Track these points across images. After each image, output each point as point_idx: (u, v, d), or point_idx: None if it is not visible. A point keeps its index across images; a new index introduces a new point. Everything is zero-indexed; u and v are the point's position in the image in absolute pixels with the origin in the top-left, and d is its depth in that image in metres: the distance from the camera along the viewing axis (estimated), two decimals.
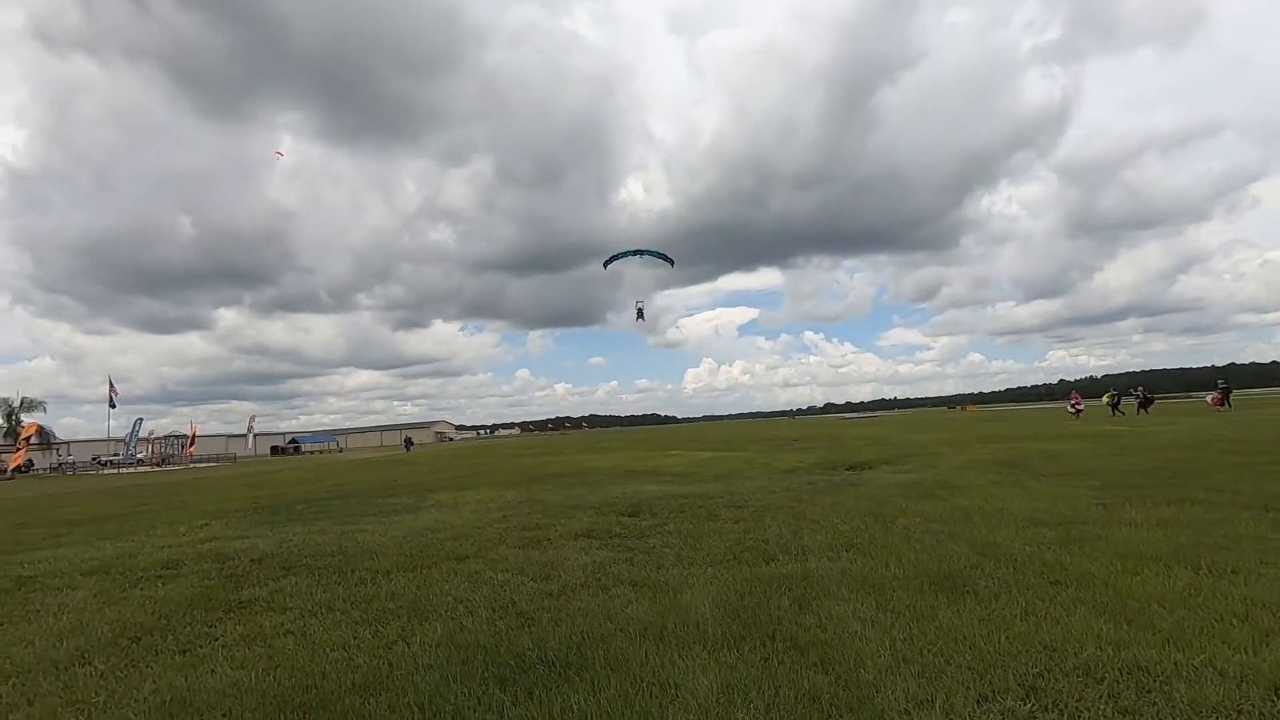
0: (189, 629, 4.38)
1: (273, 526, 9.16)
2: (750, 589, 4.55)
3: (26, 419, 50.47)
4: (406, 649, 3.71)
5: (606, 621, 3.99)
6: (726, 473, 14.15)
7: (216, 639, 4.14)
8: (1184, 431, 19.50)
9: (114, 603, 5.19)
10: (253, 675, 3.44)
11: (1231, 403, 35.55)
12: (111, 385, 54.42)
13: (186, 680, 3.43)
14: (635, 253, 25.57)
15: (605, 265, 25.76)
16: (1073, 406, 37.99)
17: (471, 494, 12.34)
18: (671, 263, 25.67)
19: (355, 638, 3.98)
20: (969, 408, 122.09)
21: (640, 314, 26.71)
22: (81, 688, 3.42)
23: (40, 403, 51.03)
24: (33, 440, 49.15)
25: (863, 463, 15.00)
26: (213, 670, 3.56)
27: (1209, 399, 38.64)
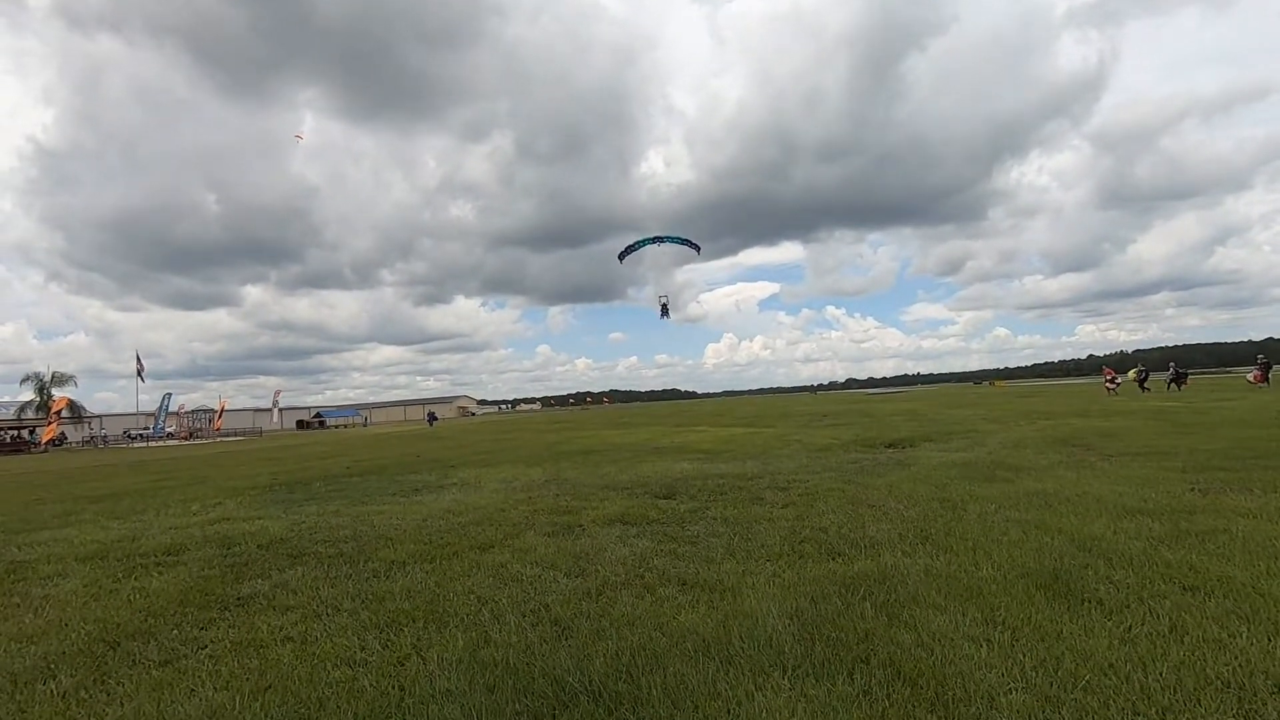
0: (177, 631, 3.83)
1: (288, 506, 8.69)
2: (822, 592, 3.88)
3: (57, 393, 51.28)
4: (422, 666, 3.10)
5: (658, 634, 3.34)
6: (760, 450, 13.47)
7: (205, 646, 3.57)
8: (1244, 409, 18.36)
9: (103, 596, 4.67)
10: (238, 699, 2.85)
11: (1272, 380, 33.71)
12: (139, 360, 55.07)
13: (159, 705, 2.85)
14: (654, 240, 23.58)
15: (621, 258, 24.00)
16: (1110, 381, 36.59)
17: (495, 471, 11.81)
18: (698, 249, 24.04)
19: (363, 649, 3.38)
20: (998, 383, 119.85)
21: (665, 310, 25.37)
22: (35, 713, 2.86)
23: (70, 377, 51.80)
24: (64, 414, 49.96)
25: (903, 440, 14.22)
26: (193, 690, 2.99)
27: (1249, 376, 36.58)
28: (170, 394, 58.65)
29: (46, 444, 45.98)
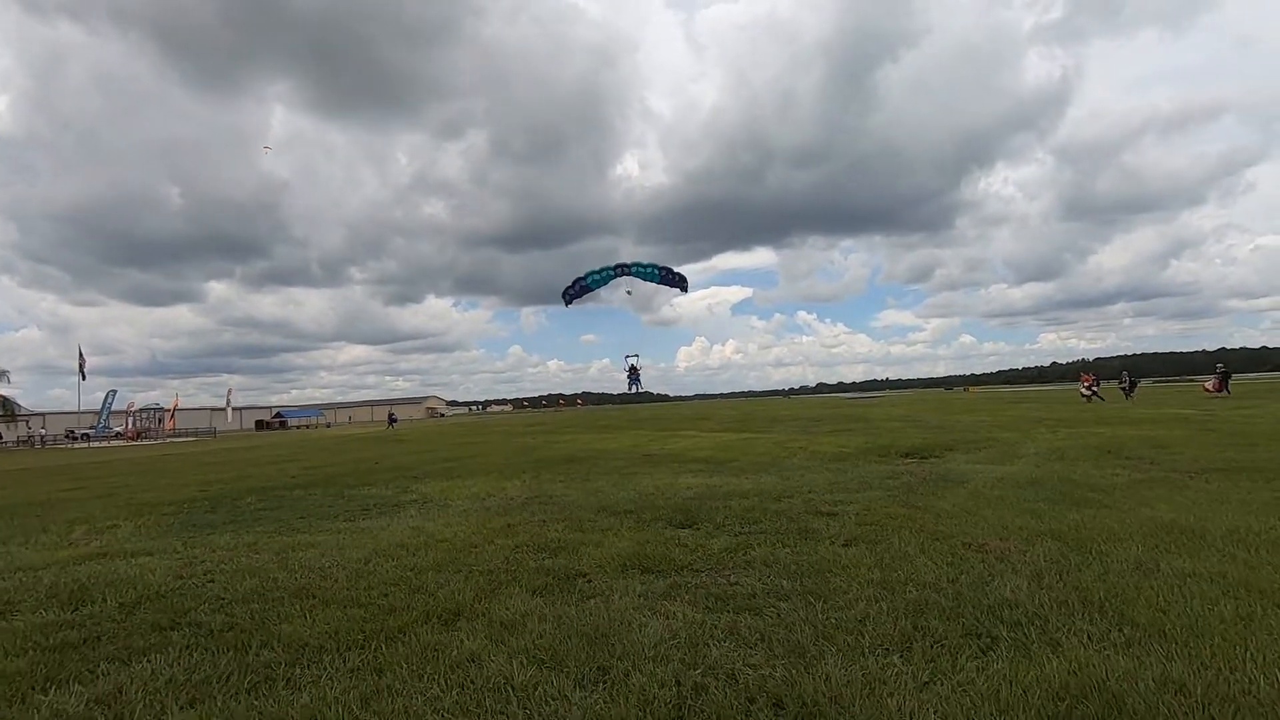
0: None
1: (195, 533, 6.80)
2: None
3: None
4: None
5: None
6: (769, 460, 11.86)
7: None
8: (1273, 417, 17.33)
9: None
10: None
11: (1230, 389, 33.13)
12: (81, 356, 51.56)
13: None
14: (617, 270, 17.60)
15: (568, 299, 18.38)
16: (1087, 388, 35.74)
17: (464, 485, 10.00)
18: (682, 284, 18.41)
19: None
20: (970, 389, 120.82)
21: (634, 375, 21.11)
22: None
23: (3, 372, 48.00)
24: None
25: (921, 449, 12.75)
26: None
27: (1206, 385, 36.05)
28: (114, 391, 55.18)
29: None
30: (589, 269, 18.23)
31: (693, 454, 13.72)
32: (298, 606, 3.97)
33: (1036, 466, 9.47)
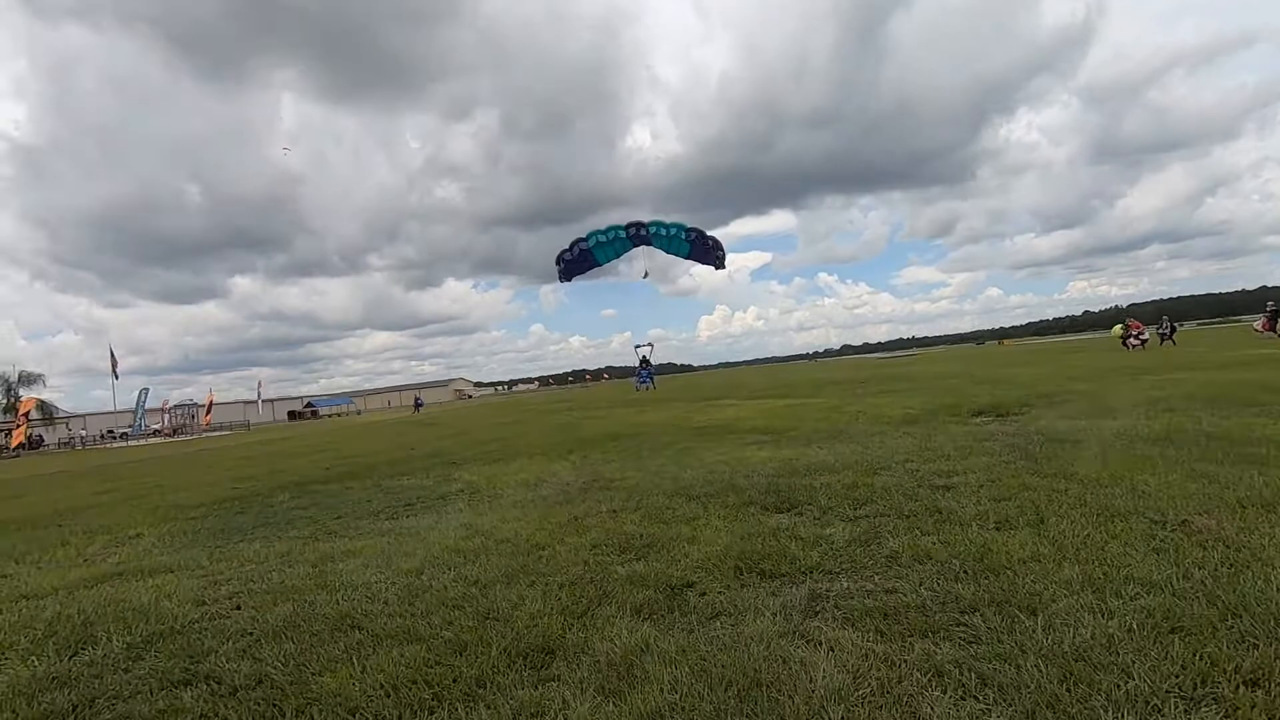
0: None
1: (224, 542, 6.06)
2: None
3: (25, 393, 48.17)
4: None
5: None
6: (829, 427, 10.88)
7: None
8: None
9: None
10: None
11: None
12: (113, 356, 51.94)
13: None
14: (630, 233, 13.31)
15: (565, 272, 14.76)
16: (1135, 336, 33.80)
17: (510, 470, 9.18)
18: (719, 260, 14.57)
19: None
20: (1004, 342, 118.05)
21: (644, 367, 17.97)
22: None
23: (39, 376, 48.44)
24: (32, 415, 46.98)
25: (994, 407, 11.68)
26: None
27: (1255, 324, 33.42)
28: (146, 390, 55.49)
29: (17, 448, 43.12)
30: (592, 230, 13.96)
31: (744, 424, 12.78)
32: (342, 645, 3.13)
33: (1149, 419, 8.38)
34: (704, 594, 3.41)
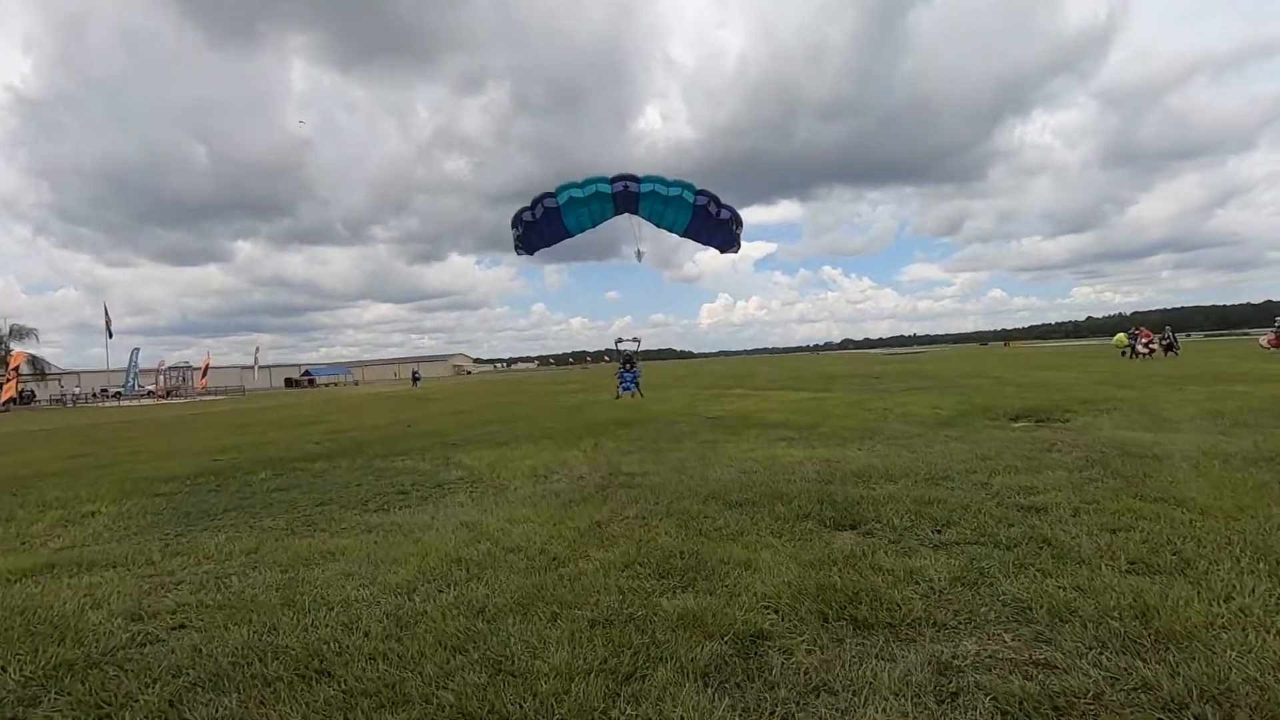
0: None
1: (186, 527, 5.24)
2: None
3: (16, 347, 47.20)
4: None
5: None
6: (860, 425, 10.06)
7: None
8: None
9: None
10: None
11: None
12: (107, 314, 50.99)
13: None
14: (617, 191, 9.93)
15: (523, 239, 10.70)
16: (1144, 345, 32.60)
17: (517, 455, 8.36)
18: (732, 242, 10.83)
19: None
20: (1012, 343, 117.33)
21: (628, 368, 15.95)
22: None
23: (31, 330, 47.40)
24: (23, 370, 46.10)
25: (1034, 411, 10.88)
26: None
27: (1262, 340, 32.28)
28: (138, 349, 54.45)
29: (6, 402, 42.30)
30: (564, 183, 10.33)
31: (764, 417, 11.95)
32: (303, 706, 2.31)
33: (1226, 435, 7.55)
34: (787, 652, 2.58)
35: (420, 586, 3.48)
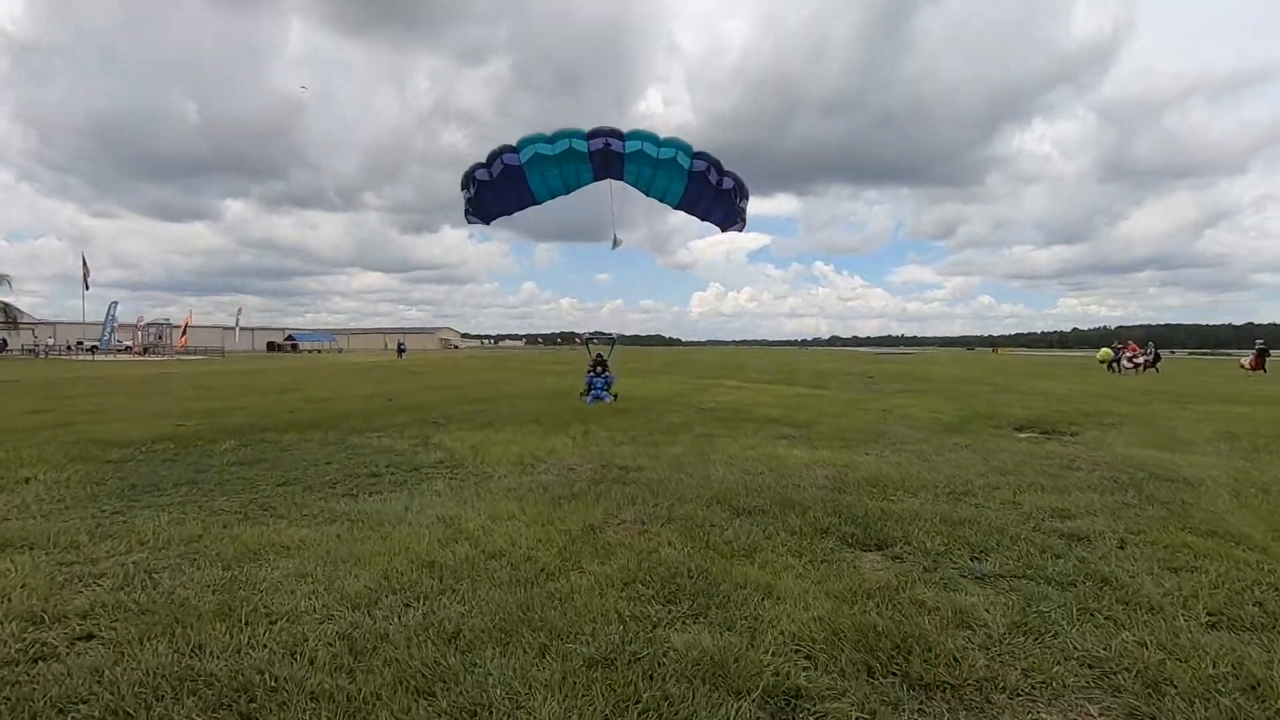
0: None
1: (128, 503, 4.67)
2: None
3: None
4: None
5: None
6: (864, 427, 9.61)
7: None
8: None
9: None
10: None
11: (1268, 366, 29.82)
12: (85, 265, 49.49)
13: None
14: (594, 147, 8.47)
15: (476, 203, 9.21)
16: (1129, 359, 32.31)
17: (500, 437, 7.82)
18: (735, 217, 9.66)
19: None
20: (999, 350, 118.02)
21: (599, 370, 13.57)
22: None
23: (4, 277, 45.83)
24: None
25: (1036, 422, 10.52)
26: None
27: (1244, 361, 32.46)
28: (116, 303, 52.96)
29: None
30: (529, 135, 8.36)
31: (759, 412, 11.47)
32: None
33: (1251, 460, 7.17)
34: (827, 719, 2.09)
35: (383, 598, 2.95)
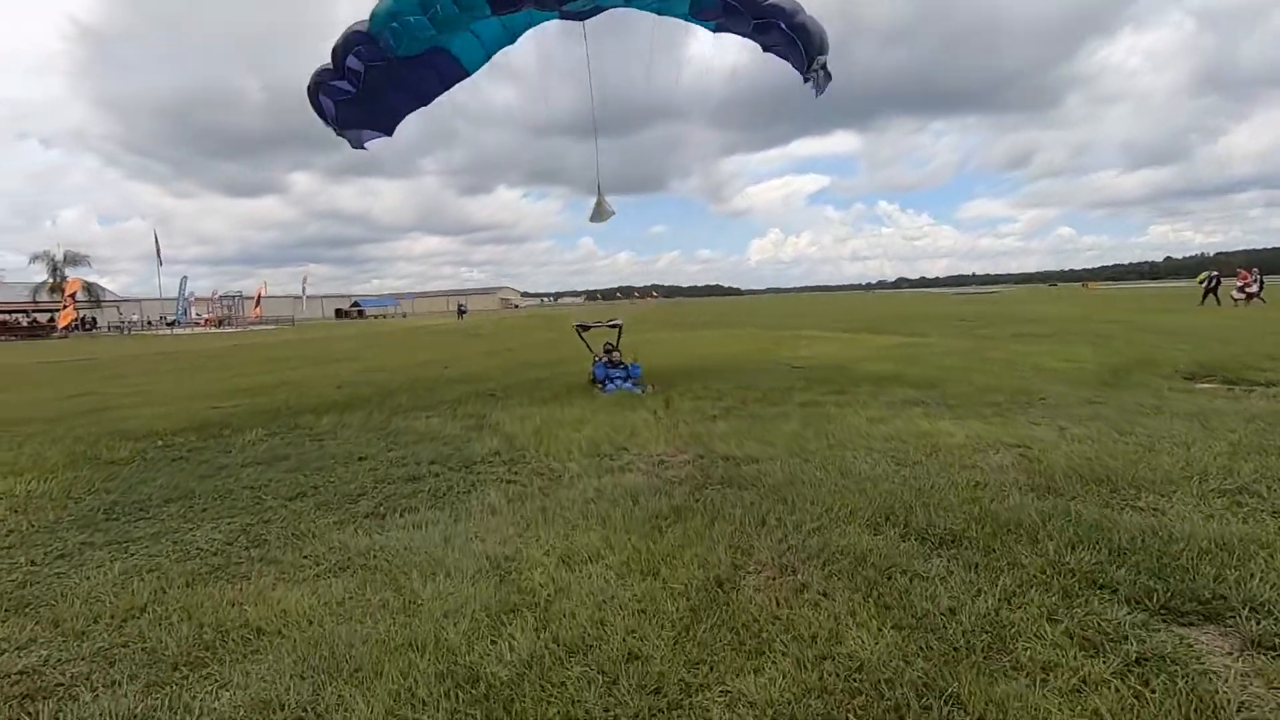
0: None
1: (89, 534, 3.54)
2: None
3: (71, 274, 47.57)
4: None
5: None
6: (1001, 385, 7.83)
7: None
8: None
9: None
10: None
11: None
12: (157, 242, 50.87)
13: None
14: None
15: (341, 115, 6.60)
16: (1240, 289, 28.15)
17: (568, 416, 6.49)
18: (815, 63, 6.71)
19: None
20: (1091, 285, 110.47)
21: (610, 366, 9.86)
22: None
23: (84, 256, 47.53)
24: (78, 297, 46.51)
25: (1209, 369, 8.58)
26: None
27: None
28: (186, 278, 54.38)
29: (65, 328, 42.84)
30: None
31: (865, 369, 9.76)
32: None
33: None
34: None
35: None
